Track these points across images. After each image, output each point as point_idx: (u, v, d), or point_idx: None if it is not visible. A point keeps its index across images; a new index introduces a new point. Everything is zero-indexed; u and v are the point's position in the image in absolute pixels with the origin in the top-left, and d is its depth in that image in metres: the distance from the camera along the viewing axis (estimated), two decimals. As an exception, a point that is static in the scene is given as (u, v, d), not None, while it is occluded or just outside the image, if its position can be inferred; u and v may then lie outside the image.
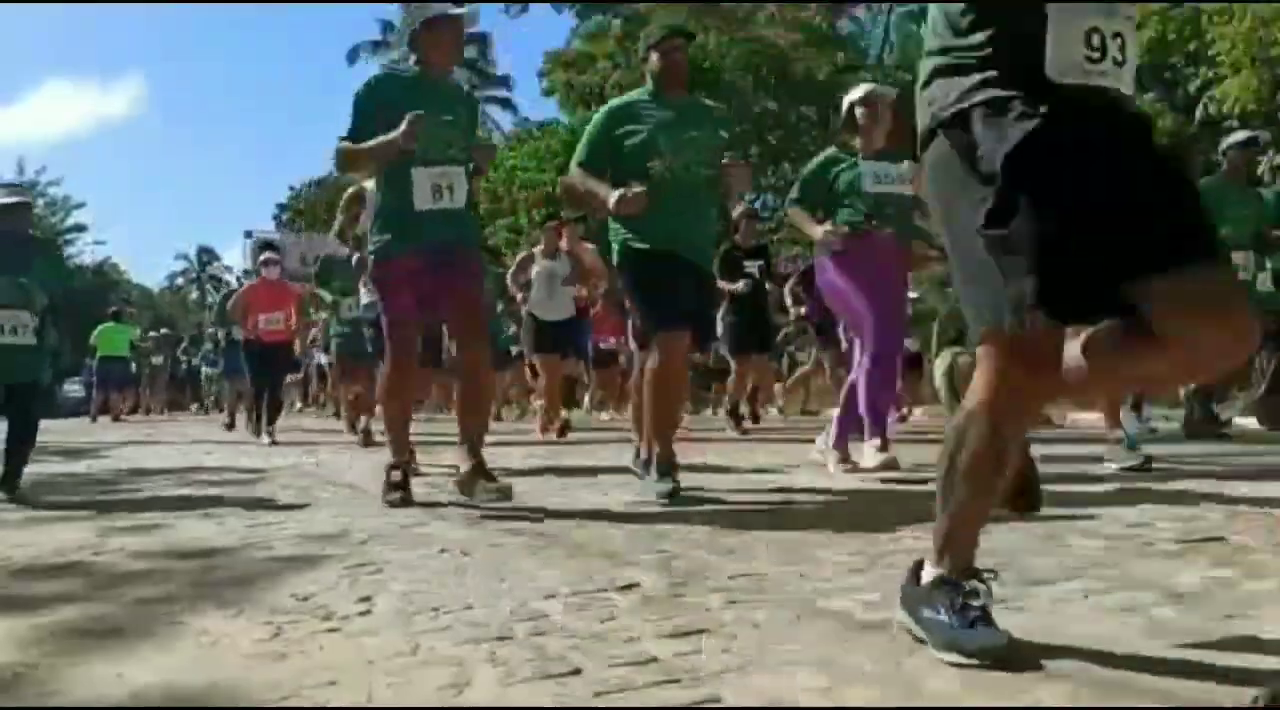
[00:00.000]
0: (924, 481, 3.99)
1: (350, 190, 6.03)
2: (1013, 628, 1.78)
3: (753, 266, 8.23)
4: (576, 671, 1.61)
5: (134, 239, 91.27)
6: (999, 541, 2.65)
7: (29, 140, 74.06)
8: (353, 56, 42.48)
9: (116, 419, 16.58)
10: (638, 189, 3.74)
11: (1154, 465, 4.39)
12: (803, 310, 8.43)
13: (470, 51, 42.09)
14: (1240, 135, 7.02)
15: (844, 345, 6.17)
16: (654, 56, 4.08)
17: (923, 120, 1.72)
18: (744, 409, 8.97)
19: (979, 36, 1.61)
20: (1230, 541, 2.60)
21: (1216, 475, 4.23)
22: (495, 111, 41.96)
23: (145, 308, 37.83)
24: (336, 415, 12.43)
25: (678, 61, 4.11)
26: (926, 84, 1.71)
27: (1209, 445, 5.94)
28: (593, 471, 4.97)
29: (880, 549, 2.61)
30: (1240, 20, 11.72)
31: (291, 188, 40.91)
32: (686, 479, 4.36)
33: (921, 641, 1.67)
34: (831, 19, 23.04)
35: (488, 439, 4.00)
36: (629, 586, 2.22)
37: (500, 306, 10.97)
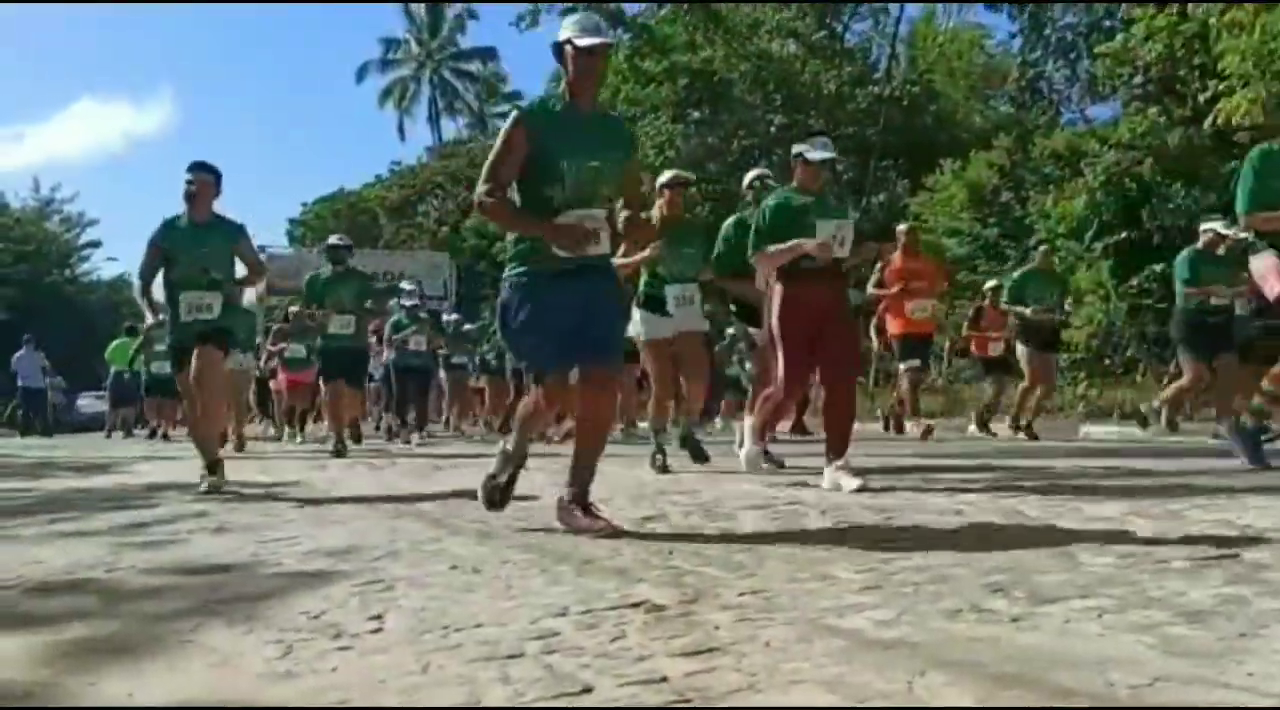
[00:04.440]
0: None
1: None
2: (1025, 647, 1.78)
3: None
4: (588, 690, 1.61)
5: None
6: (1009, 558, 2.64)
7: (57, 158, 74.66)
8: (361, 75, 42.88)
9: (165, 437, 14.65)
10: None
11: (1167, 480, 4.37)
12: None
13: (475, 65, 42.41)
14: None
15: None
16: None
17: None
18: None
19: None
20: (1244, 558, 2.59)
21: (1229, 491, 4.21)
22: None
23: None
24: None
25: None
26: None
27: (1222, 460, 5.90)
28: (604, 487, 4.96)
29: (892, 566, 2.59)
30: (1249, 34, 11.72)
31: (304, 204, 41.16)
32: (696, 497, 4.36)
33: None
34: (831, 27, 23.08)
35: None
36: (639, 604, 2.22)
37: None
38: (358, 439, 11.57)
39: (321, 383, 10.29)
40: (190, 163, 5.52)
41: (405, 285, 13.00)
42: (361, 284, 9.42)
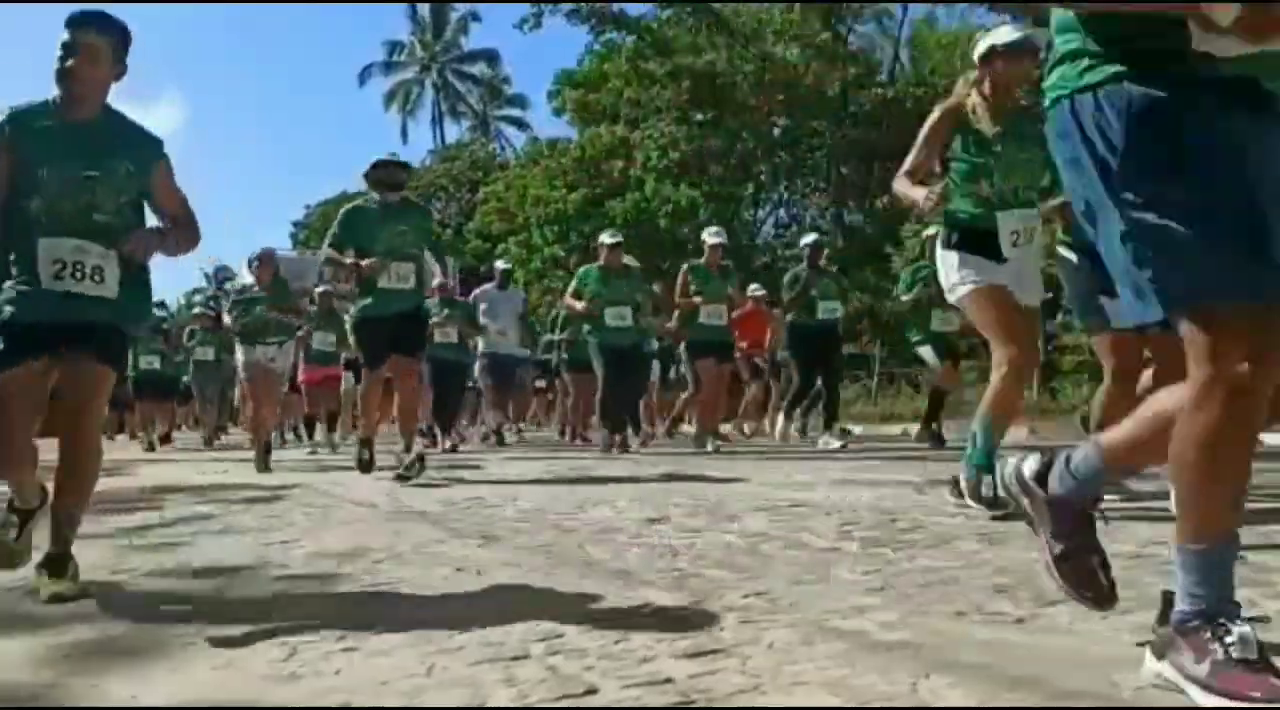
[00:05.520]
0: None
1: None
2: (1030, 648, 1.78)
3: None
4: (592, 692, 1.61)
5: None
6: (1013, 560, 2.64)
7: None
8: (364, 77, 42.97)
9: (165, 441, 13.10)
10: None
11: (1169, 483, 4.34)
12: None
13: (480, 68, 42.49)
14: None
15: None
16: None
17: None
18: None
19: None
20: (1249, 560, 2.57)
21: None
22: (509, 130, 42.18)
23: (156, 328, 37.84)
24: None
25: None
26: None
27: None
28: (607, 488, 4.97)
29: (896, 568, 2.59)
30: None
31: (307, 206, 41.21)
32: (700, 498, 4.36)
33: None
34: (836, 29, 23.07)
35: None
36: (643, 606, 2.22)
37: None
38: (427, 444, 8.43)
39: (363, 366, 6.43)
40: (71, 14, 2.76)
41: (501, 264, 11.71)
42: (426, 220, 6.41)
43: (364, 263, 5.67)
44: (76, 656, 1.98)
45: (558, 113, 26.89)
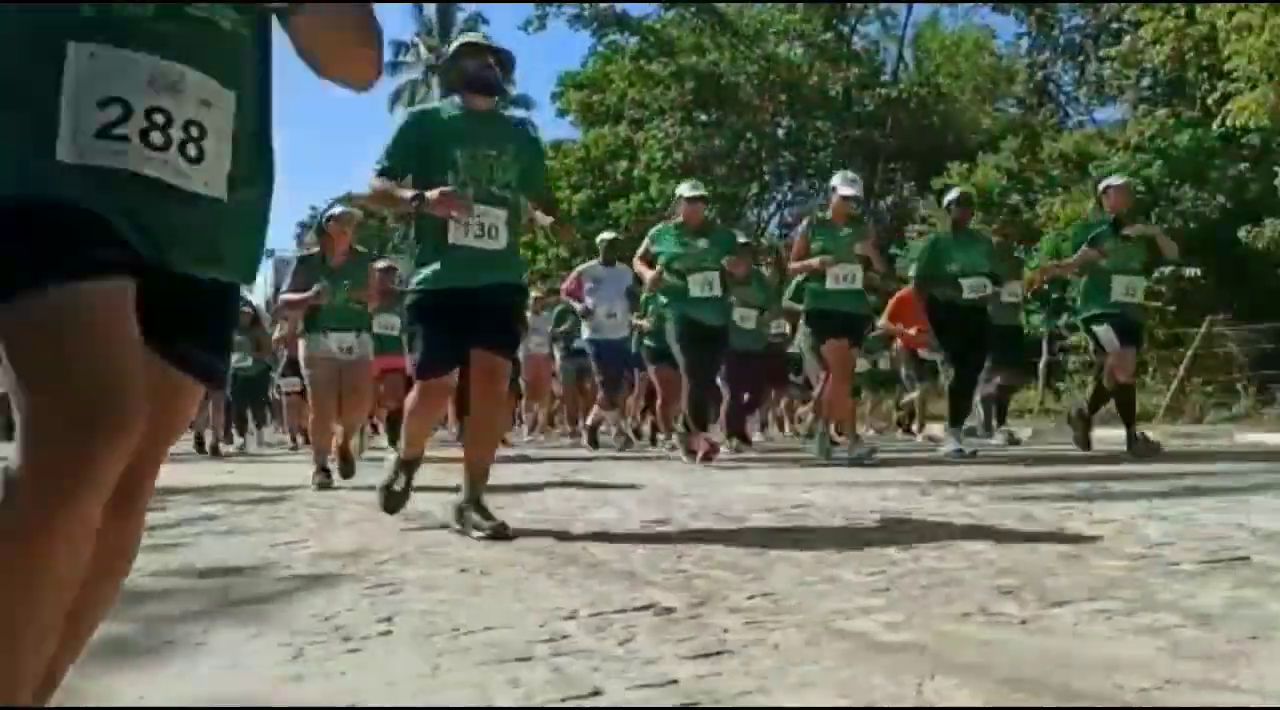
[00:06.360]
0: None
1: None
2: (1035, 649, 1.78)
3: None
4: (597, 693, 1.61)
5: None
6: (1018, 561, 2.64)
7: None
8: (370, 77, 42.98)
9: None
10: None
11: (1176, 483, 4.35)
12: None
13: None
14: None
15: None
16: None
17: None
18: None
19: None
20: (1254, 562, 2.58)
21: (1238, 492, 4.19)
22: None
23: None
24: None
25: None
26: None
27: (1232, 464, 5.88)
28: (612, 489, 4.97)
29: (901, 569, 2.59)
30: (1257, 36, 11.72)
31: (312, 208, 41.22)
32: (705, 499, 4.36)
33: None
34: (839, 29, 23.07)
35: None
36: (648, 607, 2.22)
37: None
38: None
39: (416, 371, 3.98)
40: None
41: (607, 234, 9.70)
42: (533, 146, 3.94)
43: (430, 194, 3.40)
44: (83, 657, 1.99)
45: (562, 114, 26.95)
